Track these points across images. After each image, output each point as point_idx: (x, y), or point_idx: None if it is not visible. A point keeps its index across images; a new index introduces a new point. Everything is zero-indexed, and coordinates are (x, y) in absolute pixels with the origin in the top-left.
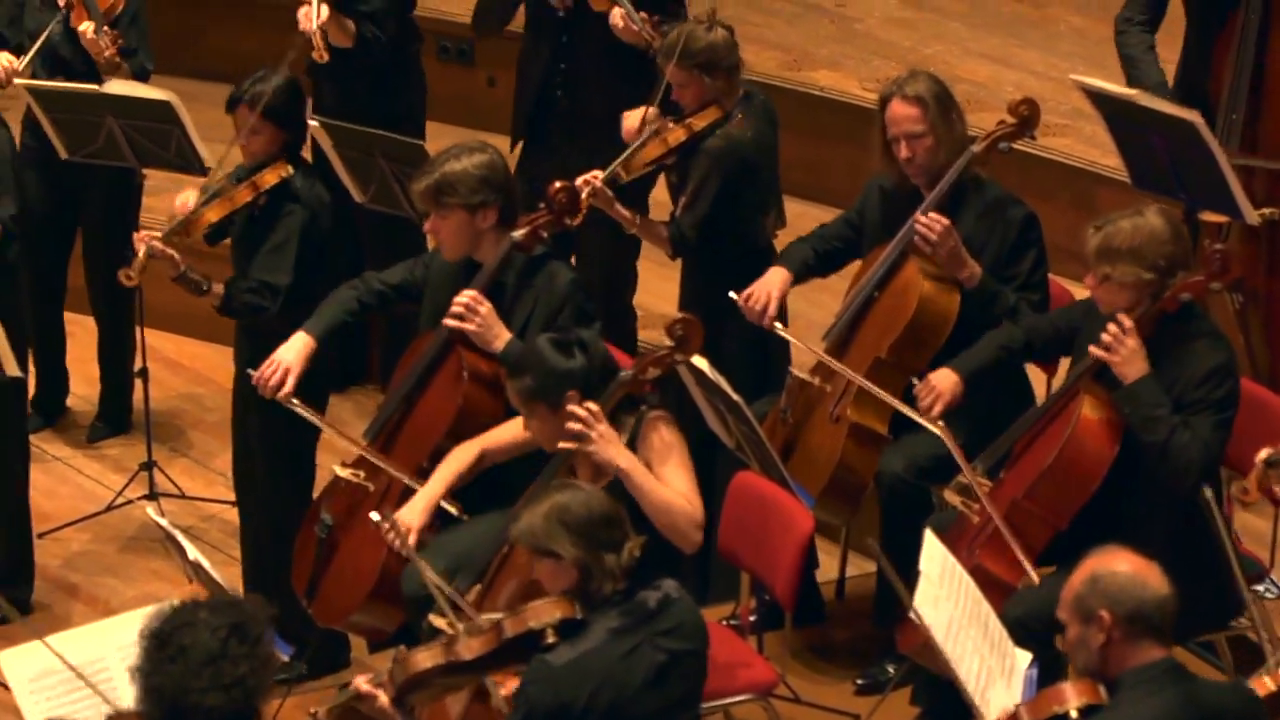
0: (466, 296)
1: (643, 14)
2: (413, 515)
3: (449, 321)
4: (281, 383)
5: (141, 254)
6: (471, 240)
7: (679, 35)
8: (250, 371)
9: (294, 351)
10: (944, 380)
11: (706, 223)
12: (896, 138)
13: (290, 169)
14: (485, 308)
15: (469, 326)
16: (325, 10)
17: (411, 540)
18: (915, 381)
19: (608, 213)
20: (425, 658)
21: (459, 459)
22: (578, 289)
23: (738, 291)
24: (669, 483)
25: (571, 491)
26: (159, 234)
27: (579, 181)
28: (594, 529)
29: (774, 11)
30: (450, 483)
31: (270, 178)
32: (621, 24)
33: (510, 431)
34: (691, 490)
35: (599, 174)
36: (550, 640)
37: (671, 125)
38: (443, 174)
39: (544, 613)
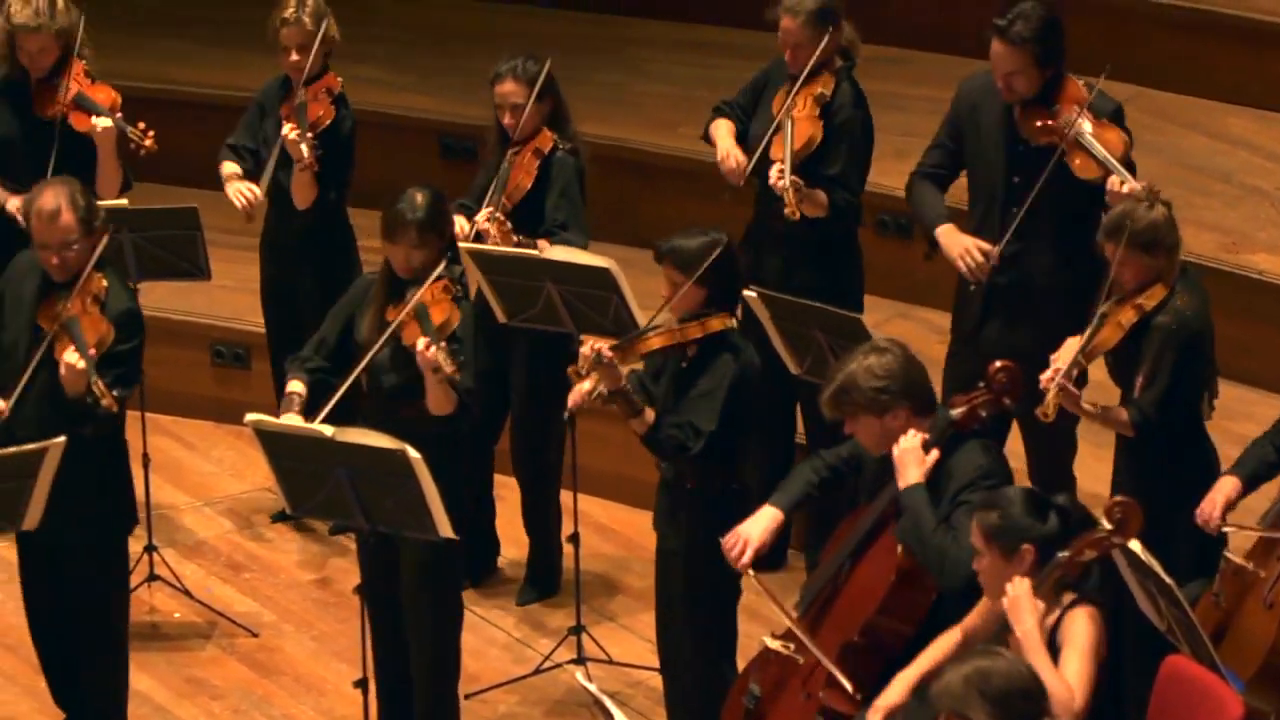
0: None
1: (1144, 181)
2: (892, 695)
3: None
4: (742, 554)
5: (588, 354)
6: (887, 439)
7: (1121, 214)
8: (721, 540)
9: (760, 525)
10: None
11: (1164, 401)
12: None
13: (733, 321)
14: (916, 440)
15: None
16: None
17: None
18: None
19: (1072, 410)
20: None
21: (942, 646)
22: (985, 475)
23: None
24: (1064, 666)
25: (994, 659)
26: (608, 344)
27: (1044, 379)
28: (1011, 700)
29: (1213, 193)
30: (930, 669)
31: (716, 324)
32: (1127, 189)
33: (980, 614)
34: (1081, 681)
35: (1060, 369)
36: None
37: (1121, 306)
38: (842, 380)
39: None
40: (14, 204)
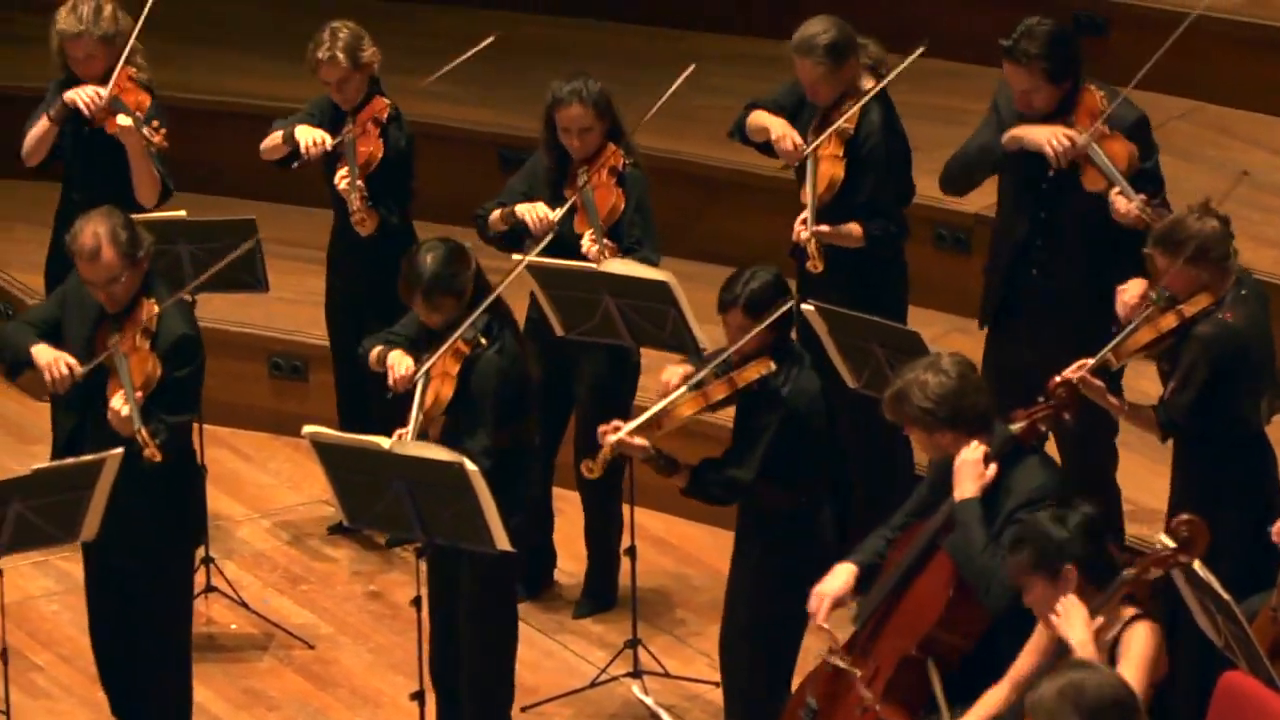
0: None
1: (1142, 195)
2: None
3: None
4: (818, 609)
5: (605, 450)
6: (938, 450)
7: (1169, 224)
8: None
9: (838, 580)
10: None
11: (1196, 408)
12: None
13: (772, 365)
14: (978, 453)
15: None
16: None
17: None
18: None
19: (1097, 402)
20: None
21: (988, 704)
22: (1045, 493)
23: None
24: None
25: (1088, 672)
26: (628, 426)
27: (1069, 371)
28: (1105, 713)
29: (1273, 209)
30: None
31: (750, 374)
32: (1123, 207)
33: (1028, 658)
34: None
35: (1089, 362)
36: None
37: (1163, 311)
38: (900, 387)
39: None
40: None
